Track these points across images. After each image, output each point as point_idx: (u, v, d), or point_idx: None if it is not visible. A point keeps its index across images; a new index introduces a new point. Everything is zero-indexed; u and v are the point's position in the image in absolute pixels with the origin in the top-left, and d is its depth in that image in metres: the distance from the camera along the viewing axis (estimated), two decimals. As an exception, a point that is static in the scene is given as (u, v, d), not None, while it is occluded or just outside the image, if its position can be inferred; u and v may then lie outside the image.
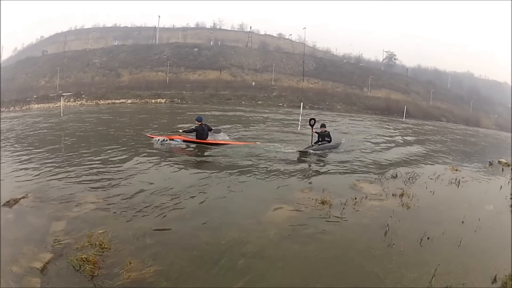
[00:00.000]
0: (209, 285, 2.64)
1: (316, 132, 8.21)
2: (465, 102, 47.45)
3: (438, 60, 68.96)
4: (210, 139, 8.23)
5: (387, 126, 18.55)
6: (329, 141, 8.27)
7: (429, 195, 4.92)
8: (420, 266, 2.86)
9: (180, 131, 8.22)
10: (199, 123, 8.07)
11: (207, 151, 7.51)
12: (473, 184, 5.99)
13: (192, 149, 7.78)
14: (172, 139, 8.03)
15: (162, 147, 7.82)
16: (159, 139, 7.98)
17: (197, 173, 5.64)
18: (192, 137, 8.07)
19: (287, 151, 7.73)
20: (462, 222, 3.89)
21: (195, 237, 3.35)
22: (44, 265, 2.92)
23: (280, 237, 3.37)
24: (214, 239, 3.30)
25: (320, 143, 8.19)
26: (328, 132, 8.43)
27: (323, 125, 8.48)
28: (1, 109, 37.60)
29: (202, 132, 8.06)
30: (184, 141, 8.03)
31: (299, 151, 7.64)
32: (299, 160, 7.13)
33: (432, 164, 7.62)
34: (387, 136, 12.87)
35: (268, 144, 8.51)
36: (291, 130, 11.92)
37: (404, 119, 27.76)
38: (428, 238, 3.34)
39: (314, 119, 8.40)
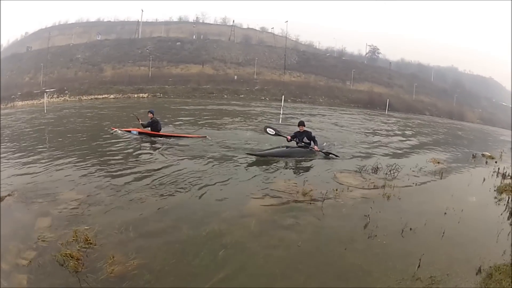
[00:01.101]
0: (191, 276, 2.68)
1: (290, 137, 6.61)
2: (449, 95, 47.90)
3: (421, 55, 69.70)
4: (163, 132, 8.57)
5: (371, 120, 18.56)
6: (309, 144, 6.59)
7: (410, 186, 4.93)
8: (403, 257, 2.87)
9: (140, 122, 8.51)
10: (152, 116, 8.39)
11: (179, 145, 7.61)
12: (456, 176, 6.02)
13: (158, 142, 7.92)
14: (129, 131, 8.48)
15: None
16: (126, 131, 8.41)
17: (175, 166, 5.67)
18: (147, 129, 8.39)
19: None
20: (445, 214, 3.89)
21: (177, 230, 3.39)
22: (30, 261, 2.97)
23: (261, 228, 3.39)
24: (195, 231, 3.34)
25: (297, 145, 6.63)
26: (309, 132, 6.79)
27: (301, 123, 6.78)
28: None
29: (156, 124, 8.42)
30: (139, 133, 8.37)
31: (248, 153, 6.31)
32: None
33: (414, 157, 7.67)
34: (370, 130, 12.85)
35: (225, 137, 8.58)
36: (273, 123, 11.72)
37: (387, 112, 27.99)
38: (410, 229, 3.33)
39: (271, 128, 7.16)
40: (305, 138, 6.65)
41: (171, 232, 3.36)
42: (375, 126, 14.93)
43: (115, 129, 8.79)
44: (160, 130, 8.48)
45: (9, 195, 4.53)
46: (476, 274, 2.71)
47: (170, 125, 10.38)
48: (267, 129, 7.20)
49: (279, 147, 6.64)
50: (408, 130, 15.04)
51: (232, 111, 18.31)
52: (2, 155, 7.00)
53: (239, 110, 18.83)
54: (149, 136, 8.25)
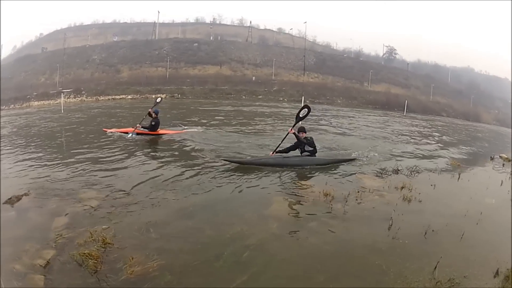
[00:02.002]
0: (213, 278, 2.64)
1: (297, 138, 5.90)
2: (465, 96, 47.36)
3: (437, 56, 69.42)
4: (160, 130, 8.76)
5: (395, 122, 18.56)
6: (311, 152, 5.96)
7: (431, 188, 4.91)
8: (422, 258, 2.86)
9: (138, 125, 8.55)
10: (156, 116, 8.58)
11: (199, 144, 7.64)
12: (475, 178, 6.01)
13: (178, 142, 8.02)
14: (126, 133, 8.46)
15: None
16: (130, 134, 8.34)
17: (194, 167, 5.64)
18: (144, 129, 8.50)
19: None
20: (465, 216, 3.88)
21: (198, 231, 3.35)
22: (47, 262, 2.91)
23: (283, 229, 3.38)
24: (217, 233, 3.31)
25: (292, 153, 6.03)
26: (310, 138, 5.99)
27: (301, 129, 5.98)
28: (1, 107, 37.52)
29: (158, 124, 8.61)
30: (137, 134, 8.40)
31: (223, 159, 5.78)
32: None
33: (434, 158, 7.65)
34: (394, 132, 12.84)
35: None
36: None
37: (405, 114, 27.75)
38: (432, 230, 3.34)
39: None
40: (305, 145, 5.90)
41: (193, 233, 3.32)
42: (398, 128, 14.92)
43: (110, 130, 8.79)
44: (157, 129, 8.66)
45: (25, 194, 4.45)
46: (494, 276, 2.69)
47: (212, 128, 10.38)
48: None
49: (282, 156, 5.86)
50: (428, 131, 15.08)
51: (264, 113, 18.46)
52: (17, 155, 7.09)
53: (270, 112, 18.96)
54: (148, 136, 8.41)
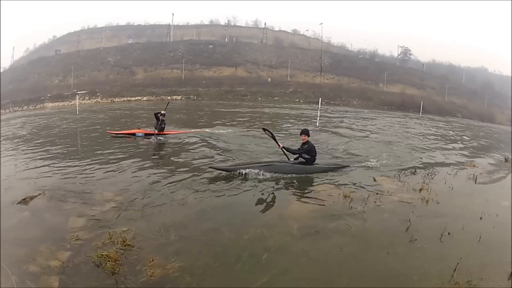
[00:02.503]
0: (233, 280, 2.61)
1: (283, 147, 5.48)
2: (479, 97, 46.97)
3: (451, 56, 69.05)
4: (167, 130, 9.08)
5: (412, 124, 18.55)
6: (307, 160, 5.44)
7: (448, 190, 4.89)
8: (441, 261, 2.84)
9: (155, 130, 8.68)
10: (163, 118, 8.81)
11: (213, 146, 7.82)
12: (491, 180, 5.97)
13: (194, 143, 8.18)
14: (133, 134, 8.73)
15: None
16: (141, 135, 8.59)
17: (210, 168, 5.58)
18: (151, 130, 8.79)
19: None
20: (481, 218, 3.87)
21: (218, 233, 3.34)
22: (62, 263, 2.86)
23: (303, 231, 3.36)
24: (236, 234, 3.29)
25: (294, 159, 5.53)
26: (308, 145, 5.45)
27: (303, 132, 5.55)
28: (14, 109, 37.67)
29: (164, 125, 8.95)
30: (145, 134, 8.64)
31: (211, 167, 5.42)
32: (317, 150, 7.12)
33: (450, 160, 7.61)
34: (412, 133, 12.90)
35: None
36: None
37: (420, 115, 27.60)
38: (448, 233, 3.33)
39: (268, 130, 5.80)
40: (304, 152, 5.41)
41: (212, 235, 3.31)
42: (417, 129, 14.88)
43: (114, 132, 8.91)
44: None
45: (40, 194, 4.41)
46: (508, 279, 2.69)
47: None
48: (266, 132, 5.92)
49: (268, 163, 5.37)
50: (445, 132, 15.07)
51: (288, 114, 18.62)
52: (32, 155, 7.08)
53: (293, 114, 18.99)
54: (156, 136, 8.56)
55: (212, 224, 3.55)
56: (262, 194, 4.50)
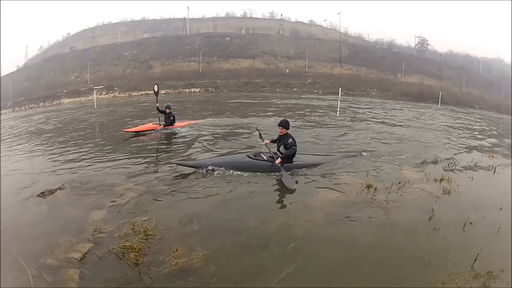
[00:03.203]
0: (259, 269, 2.60)
1: (270, 141, 5.22)
2: (496, 88, 46.39)
3: (469, 46, 68.41)
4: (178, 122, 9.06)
5: (436, 114, 18.50)
6: (288, 155, 4.80)
7: (468, 181, 4.93)
8: (462, 251, 2.85)
9: (160, 126, 8.58)
10: (169, 110, 8.70)
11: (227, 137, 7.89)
12: (509, 171, 5.94)
13: (213, 134, 8.29)
14: (152, 130, 8.45)
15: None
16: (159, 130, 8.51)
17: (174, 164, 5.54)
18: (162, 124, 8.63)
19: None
20: (500, 209, 3.86)
21: (242, 222, 3.32)
22: (83, 255, 2.83)
23: (328, 220, 3.36)
24: (262, 224, 3.27)
25: (275, 153, 4.94)
26: (290, 138, 4.81)
27: (282, 124, 4.94)
28: (30, 106, 37.89)
29: (174, 118, 8.88)
30: (162, 129, 8.48)
31: (175, 163, 5.06)
32: (338, 141, 7.41)
33: (471, 150, 7.62)
34: (429, 123, 12.94)
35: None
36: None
37: (439, 105, 27.34)
38: (470, 223, 3.35)
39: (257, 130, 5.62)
40: (282, 146, 4.86)
41: (236, 225, 3.27)
42: (439, 120, 14.86)
43: (129, 130, 8.43)
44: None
45: (59, 188, 4.41)
46: None
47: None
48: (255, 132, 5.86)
49: (235, 157, 5.04)
50: (464, 123, 15.07)
51: (319, 105, 18.79)
52: (51, 150, 7.22)
53: (320, 105, 19.01)
54: (170, 129, 8.58)
55: (235, 213, 3.53)
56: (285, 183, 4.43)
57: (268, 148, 5.07)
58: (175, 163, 5.04)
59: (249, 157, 4.89)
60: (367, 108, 18.58)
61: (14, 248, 2.93)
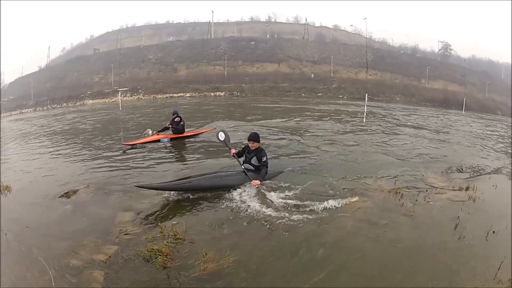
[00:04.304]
0: (289, 276, 2.57)
1: (236, 150, 4.86)
2: (517, 94, 45.66)
3: (492, 52, 67.59)
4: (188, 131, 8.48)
5: (464, 122, 18.50)
6: (257, 167, 4.57)
7: (492, 189, 4.88)
8: (487, 259, 2.85)
9: (153, 132, 8.20)
10: (178, 117, 8.09)
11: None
12: None
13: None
14: (157, 140, 7.71)
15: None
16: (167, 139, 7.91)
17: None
18: (169, 133, 8.06)
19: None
20: None
21: (272, 228, 3.29)
22: (109, 257, 2.79)
23: (357, 227, 3.35)
24: (291, 230, 3.24)
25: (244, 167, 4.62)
26: (264, 155, 4.57)
27: (252, 137, 4.64)
28: (52, 106, 38.42)
29: (183, 125, 8.24)
30: (171, 139, 7.85)
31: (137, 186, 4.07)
32: (357, 145, 7.59)
33: (495, 158, 7.60)
34: (456, 130, 13.03)
35: None
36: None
37: (463, 112, 27.16)
38: (493, 232, 3.34)
39: (224, 132, 5.33)
40: (255, 158, 4.58)
41: (266, 230, 3.25)
42: (467, 127, 14.89)
43: (130, 143, 7.34)
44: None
45: (84, 188, 4.40)
46: None
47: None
48: (219, 133, 5.34)
49: (207, 174, 4.40)
50: (489, 130, 15.03)
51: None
52: (76, 150, 7.30)
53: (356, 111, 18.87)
54: (180, 139, 7.98)
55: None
56: (316, 189, 4.40)
57: (236, 158, 4.73)
58: (138, 186, 4.13)
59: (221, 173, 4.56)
60: (401, 115, 18.76)
61: (35, 248, 2.92)
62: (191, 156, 6.52)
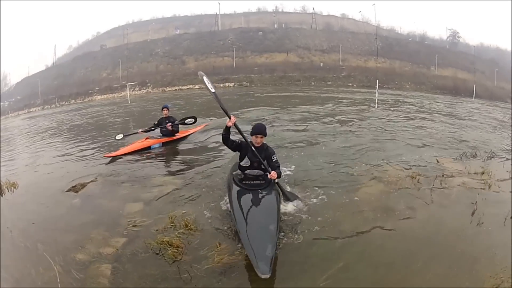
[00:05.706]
0: (307, 266, 2.49)
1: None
2: (526, 82, 45.43)
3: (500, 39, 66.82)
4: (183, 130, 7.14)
5: (483, 110, 18.07)
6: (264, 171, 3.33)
7: (507, 175, 4.79)
8: (505, 246, 2.76)
9: (139, 130, 6.61)
10: (168, 112, 6.68)
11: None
12: None
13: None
14: (148, 147, 6.32)
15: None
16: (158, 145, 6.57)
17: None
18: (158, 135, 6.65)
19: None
20: None
21: (289, 216, 3.20)
22: (116, 250, 2.72)
23: (375, 215, 3.29)
24: (309, 218, 3.17)
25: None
26: (273, 153, 3.41)
27: (257, 130, 3.33)
28: (60, 103, 38.52)
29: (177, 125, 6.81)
30: (163, 143, 6.56)
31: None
32: (376, 131, 7.63)
33: (508, 144, 7.44)
34: (466, 117, 12.78)
35: None
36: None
37: (474, 99, 27.22)
38: (511, 218, 3.24)
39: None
40: (262, 160, 3.31)
41: (282, 218, 3.11)
42: (485, 115, 14.57)
43: (112, 155, 5.90)
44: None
45: (92, 181, 4.35)
46: None
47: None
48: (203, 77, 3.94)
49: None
50: (501, 117, 14.67)
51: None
52: (84, 144, 7.33)
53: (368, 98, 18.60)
54: (172, 143, 6.73)
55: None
56: (332, 174, 4.42)
57: (237, 128, 3.38)
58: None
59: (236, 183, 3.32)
60: (413, 102, 18.54)
61: (41, 244, 2.84)
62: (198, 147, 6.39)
